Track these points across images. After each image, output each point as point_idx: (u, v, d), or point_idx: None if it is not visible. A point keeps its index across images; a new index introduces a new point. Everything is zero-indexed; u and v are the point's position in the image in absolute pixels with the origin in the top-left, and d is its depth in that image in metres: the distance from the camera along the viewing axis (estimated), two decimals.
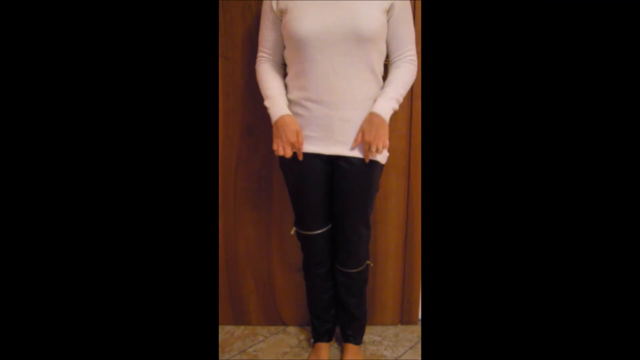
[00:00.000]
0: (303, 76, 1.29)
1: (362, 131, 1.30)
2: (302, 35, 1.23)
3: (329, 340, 1.67)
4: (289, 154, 1.32)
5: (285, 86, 1.39)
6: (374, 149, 1.30)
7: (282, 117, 1.31)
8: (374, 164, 1.36)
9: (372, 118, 1.30)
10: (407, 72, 1.34)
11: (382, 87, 1.35)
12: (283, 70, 1.42)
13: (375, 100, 1.32)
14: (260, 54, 1.40)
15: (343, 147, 1.32)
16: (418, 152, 1.67)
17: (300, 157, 1.34)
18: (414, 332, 1.84)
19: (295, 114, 1.34)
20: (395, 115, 1.60)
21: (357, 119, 1.31)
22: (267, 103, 1.35)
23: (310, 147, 1.34)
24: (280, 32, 1.34)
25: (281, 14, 1.30)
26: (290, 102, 1.35)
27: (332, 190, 1.41)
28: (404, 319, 1.88)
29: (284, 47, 1.37)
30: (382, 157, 1.38)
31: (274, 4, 1.31)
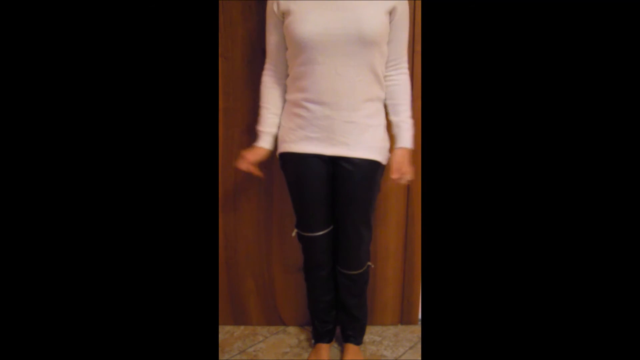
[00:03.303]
0: (304, 77, 1.28)
1: (400, 165, 1.33)
2: (305, 37, 1.23)
3: (329, 341, 1.67)
4: (239, 165, 1.40)
5: (285, 87, 1.39)
6: (406, 177, 1.34)
7: (256, 147, 1.42)
8: (376, 164, 1.36)
9: (406, 153, 1.35)
10: (409, 89, 1.38)
11: (394, 109, 1.37)
12: (284, 79, 1.42)
13: (378, 101, 1.35)
14: (265, 63, 1.42)
15: (345, 147, 1.32)
16: (418, 152, 1.67)
17: (258, 174, 1.41)
18: (414, 332, 1.84)
19: (296, 114, 1.33)
20: None
21: (358, 120, 1.30)
22: (258, 127, 1.43)
23: (311, 148, 1.33)
24: (282, 34, 1.34)
25: (283, 16, 1.30)
26: (291, 103, 1.35)
27: (334, 191, 1.41)
28: (404, 319, 1.88)
29: (286, 50, 1.37)
30: (383, 158, 1.38)
31: (275, 5, 1.30)
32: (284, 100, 1.41)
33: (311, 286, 1.59)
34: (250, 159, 1.38)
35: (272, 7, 1.32)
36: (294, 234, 1.50)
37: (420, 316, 1.88)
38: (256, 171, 1.40)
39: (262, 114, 1.42)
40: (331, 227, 1.47)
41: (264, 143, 1.41)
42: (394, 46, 1.33)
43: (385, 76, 1.36)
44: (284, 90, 1.41)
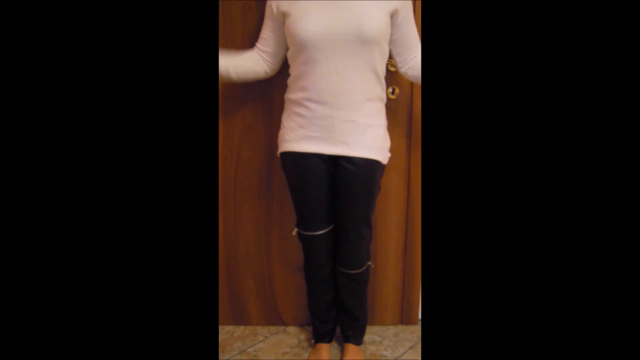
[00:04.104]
0: (305, 77, 1.29)
1: None
2: (305, 36, 1.23)
3: (329, 341, 1.67)
4: None
5: (287, 86, 1.40)
6: None
7: None
8: (376, 163, 1.36)
9: None
10: None
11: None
12: (267, 67, 1.44)
13: (379, 100, 1.36)
14: (256, 45, 1.44)
15: (345, 147, 1.32)
16: (418, 152, 1.67)
17: None
18: (414, 332, 1.84)
19: (296, 114, 1.34)
20: (395, 115, 1.61)
21: (359, 119, 1.31)
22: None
23: (312, 147, 1.34)
24: (278, 33, 1.35)
25: (283, 17, 1.31)
26: (292, 103, 1.36)
27: (334, 190, 1.41)
28: (404, 319, 1.88)
29: (279, 49, 1.39)
30: (383, 157, 1.39)
31: (274, 5, 1.31)
32: (243, 71, 1.41)
33: (311, 286, 1.60)
34: None
35: (270, 7, 1.34)
36: (294, 232, 1.51)
37: (420, 316, 1.88)
38: None
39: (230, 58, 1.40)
40: (331, 227, 1.47)
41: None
42: (406, 42, 1.34)
43: (409, 68, 1.38)
44: (255, 66, 1.42)
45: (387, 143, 1.41)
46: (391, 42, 1.34)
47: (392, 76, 1.57)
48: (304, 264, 1.58)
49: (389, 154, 1.42)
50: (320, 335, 1.65)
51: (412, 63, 1.37)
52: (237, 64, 1.40)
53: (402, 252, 1.79)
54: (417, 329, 1.85)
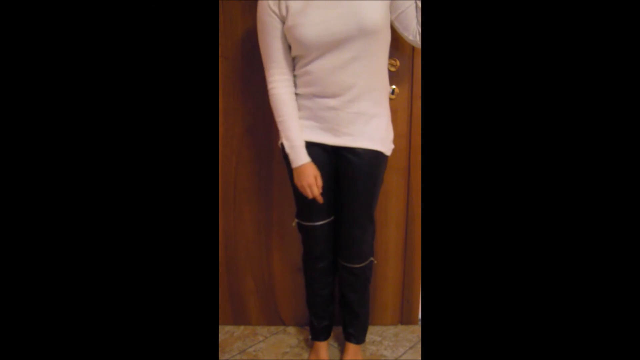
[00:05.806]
0: (310, 74, 1.29)
1: None
2: (307, 41, 1.23)
3: (326, 338, 1.66)
4: (310, 194, 1.35)
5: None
6: None
7: (300, 167, 1.34)
8: (379, 155, 1.37)
9: None
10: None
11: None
12: (293, 84, 1.37)
13: (383, 89, 1.36)
14: (272, 75, 1.34)
15: (349, 138, 1.33)
16: (418, 152, 1.67)
17: (320, 201, 1.36)
18: (414, 332, 1.84)
19: (303, 106, 1.34)
20: (395, 115, 1.61)
21: (362, 110, 1.31)
22: (285, 144, 1.35)
23: (315, 137, 1.34)
24: (284, 42, 1.30)
25: (281, 19, 1.28)
26: (298, 96, 1.35)
27: (337, 181, 1.41)
28: (404, 319, 1.88)
29: (291, 58, 1.34)
30: (387, 149, 1.39)
31: (272, 3, 1.26)
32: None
33: (310, 278, 1.59)
34: (319, 183, 1.34)
35: (267, 7, 1.27)
36: (294, 224, 1.51)
37: (420, 316, 1.89)
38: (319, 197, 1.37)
39: (292, 126, 1.34)
40: (332, 218, 1.47)
41: (307, 157, 1.35)
42: (411, 14, 1.30)
43: (419, 35, 1.32)
44: (295, 105, 1.37)
45: (390, 134, 1.41)
46: (395, 18, 1.31)
47: (392, 76, 1.57)
48: (303, 256, 1.57)
49: (392, 145, 1.41)
50: (317, 332, 1.65)
51: (420, 30, 1.33)
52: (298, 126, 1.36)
53: (402, 252, 1.79)
54: (417, 329, 1.85)
